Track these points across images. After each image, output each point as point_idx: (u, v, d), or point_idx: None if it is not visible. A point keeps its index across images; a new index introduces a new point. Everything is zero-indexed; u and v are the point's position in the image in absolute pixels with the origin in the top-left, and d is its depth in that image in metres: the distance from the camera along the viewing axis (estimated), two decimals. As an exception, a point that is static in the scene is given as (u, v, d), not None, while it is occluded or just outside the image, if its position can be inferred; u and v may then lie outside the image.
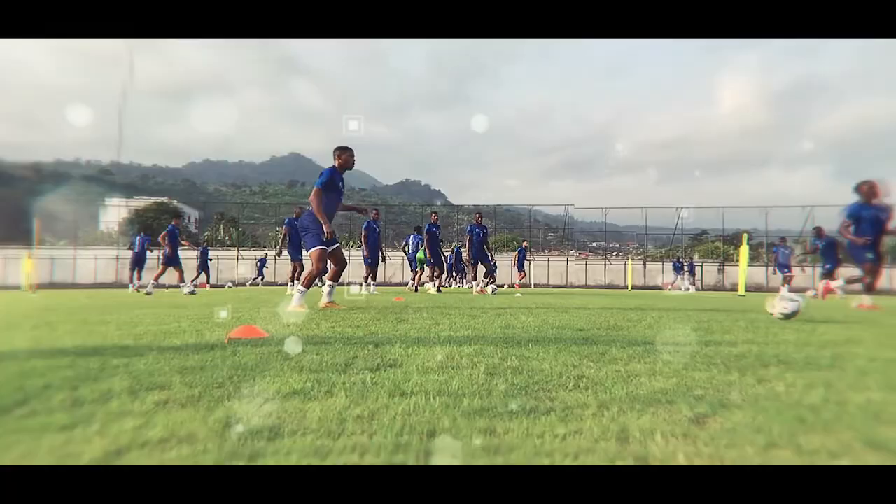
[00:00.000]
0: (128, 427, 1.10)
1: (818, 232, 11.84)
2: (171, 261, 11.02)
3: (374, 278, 10.39)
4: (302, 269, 10.63)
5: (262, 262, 22.88)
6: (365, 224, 10.36)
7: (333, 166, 5.07)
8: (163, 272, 11.12)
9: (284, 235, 10.63)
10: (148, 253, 14.07)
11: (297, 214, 9.65)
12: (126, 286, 13.94)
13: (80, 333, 2.94)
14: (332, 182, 4.99)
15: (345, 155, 5.10)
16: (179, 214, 12.31)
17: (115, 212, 45.25)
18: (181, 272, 11.12)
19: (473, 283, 11.01)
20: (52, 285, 25.03)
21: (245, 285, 22.81)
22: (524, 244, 18.64)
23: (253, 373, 1.68)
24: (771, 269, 18.75)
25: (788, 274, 13.67)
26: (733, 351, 2.24)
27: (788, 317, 4.05)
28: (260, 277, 22.68)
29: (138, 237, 14.38)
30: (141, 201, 49.72)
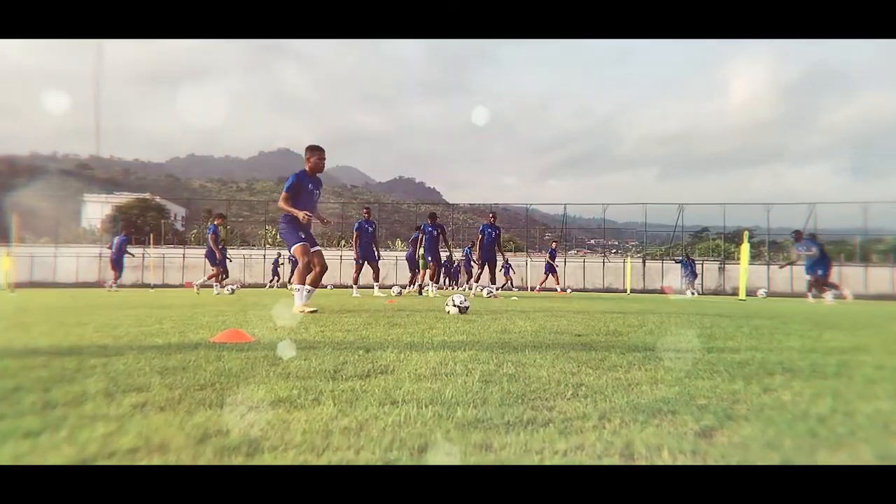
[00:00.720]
0: (98, 434, 1.04)
1: (797, 235, 11.58)
2: (216, 260, 11.44)
3: (376, 278, 10.14)
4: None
5: (276, 263, 22.62)
6: (357, 225, 10.16)
7: (303, 170, 4.95)
8: (223, 274, 11.65)
9: None
10: (126, 254, 13.73)
11: None
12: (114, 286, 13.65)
13: (58, 334, 2.84)
14: (300, 186, 4.86)
15: (314, 157, 4.93)
16: (223, 215, 12.17)
17: (97, 208, 44.29)
18: (221, 272, 11.78)
19: (475, 284, 10.78)
20: (32, 284, 24.57)
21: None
22: (553, 244, 18.01)
23: (237, 379, 1.60)
24: (775, 267, 17.94)
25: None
26: (736, 358, 2.18)
27: (463, 311, 4.44)
28: (275, 278, 22.40)
29: (116, 238, 14.09)
30: (123, 197, 48.34)
